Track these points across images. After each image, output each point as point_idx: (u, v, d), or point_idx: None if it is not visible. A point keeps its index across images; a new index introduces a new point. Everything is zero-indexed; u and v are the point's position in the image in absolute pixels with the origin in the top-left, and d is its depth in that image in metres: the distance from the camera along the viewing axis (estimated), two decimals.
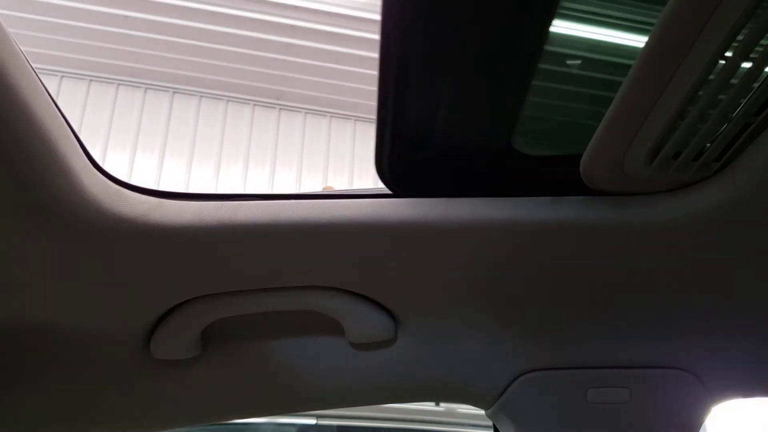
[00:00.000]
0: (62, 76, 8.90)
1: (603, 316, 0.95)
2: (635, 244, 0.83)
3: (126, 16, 8.19)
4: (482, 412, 1.10)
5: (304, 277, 0.87)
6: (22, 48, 0.61)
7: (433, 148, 0.79)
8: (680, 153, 0.72)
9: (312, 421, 2.82)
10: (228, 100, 9.52)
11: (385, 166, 0.81)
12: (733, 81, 0.62)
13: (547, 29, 0.68)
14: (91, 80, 9.17)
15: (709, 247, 0.83)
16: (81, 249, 0.76)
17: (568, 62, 0.72)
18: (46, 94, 0.64)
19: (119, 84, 9.21)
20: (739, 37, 0.57)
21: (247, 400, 1.01)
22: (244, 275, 0.86)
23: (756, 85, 0.62)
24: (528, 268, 0.87)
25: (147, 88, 9.38)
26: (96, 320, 0.88)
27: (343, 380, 1.01)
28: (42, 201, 0.68)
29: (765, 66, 0.60)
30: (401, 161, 0.80)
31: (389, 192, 0.84)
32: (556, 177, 0.82)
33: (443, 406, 2.99)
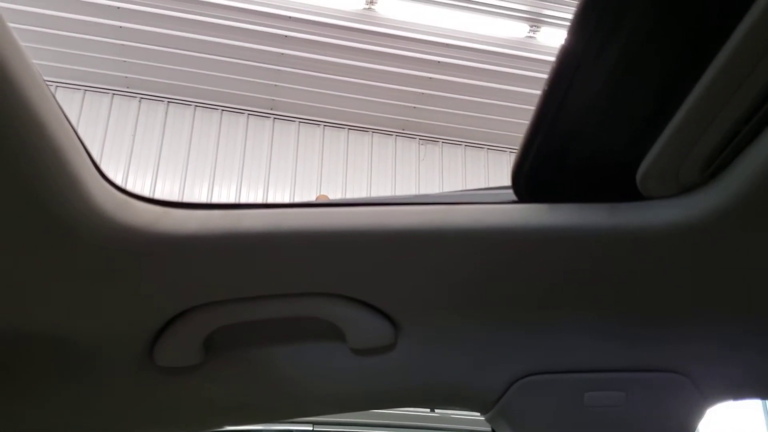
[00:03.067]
0: (57, 86, 8.89)
1: (599, 320, 0.96)
2: (630, 249, 0.85)
3: (121, 27, 8.20)
4: (479, 416, 1.11)
5: (307, 284, 0.88)
6: None
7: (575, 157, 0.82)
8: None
9: (308, 428, 2.82)
10: (222, 110, 9.52)
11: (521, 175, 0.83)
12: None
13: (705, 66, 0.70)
14: (85, 90, 9.17)
15: (703, 252, 0.84)
16: (87, 257, 0.77)
17: None
18: (56, 104, 0.65)
19: (114, 94, 9.21)
20: None
21: (249, 407, 1.02)
22: (247, 283, 0.87)
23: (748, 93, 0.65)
24: (525, 274, 0.89)
25: (141, 98, 9.38)
26: (100, 328, 0.88)
27: (344, 386, 1.02)
28: (50, 210, 0.69)
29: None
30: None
31: (390, 200, 0.85)
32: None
33: (438, 412, 2.99)
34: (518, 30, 8.59)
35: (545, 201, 0.84)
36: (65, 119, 0.66)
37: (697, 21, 0.65)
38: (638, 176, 0.79)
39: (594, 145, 0.80)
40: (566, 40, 0.69)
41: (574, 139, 0.79)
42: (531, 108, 0.77)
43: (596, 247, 0.85)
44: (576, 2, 0.66)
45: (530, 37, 8.62)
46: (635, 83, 0.73)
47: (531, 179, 0.83)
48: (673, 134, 0.71)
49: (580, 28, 0.67)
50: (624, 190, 0.82)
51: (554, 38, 8.51)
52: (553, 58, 0.71)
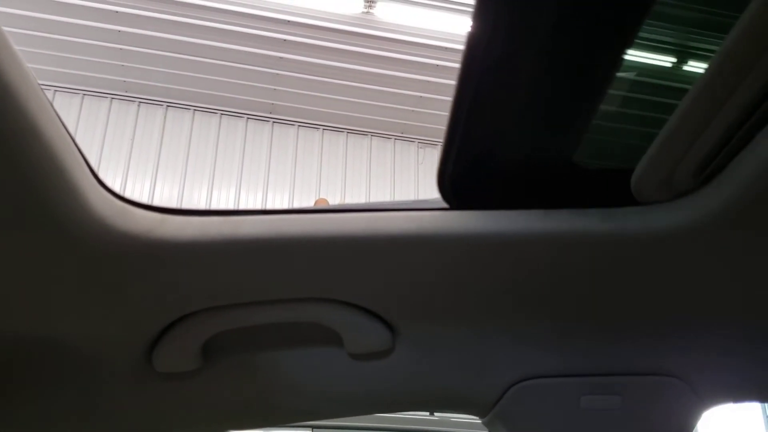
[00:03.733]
0: (55, 91, 8.90)
1: (595, 324, 0.97)
2: (625, 254, 0.85)
3: (119, 31, 8.20)
4: (477, 420, 1.12)
5: (305, 290, 0.89)
6: None
7: (495, 161, 0.81)
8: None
9: None
10: (221, 114, 9.53)
11: (446, 181, 0.83)
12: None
13: (622, 56, 0.71)
14: (84, 95, 9.17)
15: (697, 256, 0.85)
16: (86, 264, 0.77)
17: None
18: (53, 112, 0.65)
19: (112, 98, 9.21)
20: None
21: (247, 412, 1.02)
22: (246, 288, 0.87)
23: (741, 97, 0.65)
24: (523, 279, 0.89)
25: (140, 103, 9.38)
26: (98, 334, 0.89)
27: (342, 391, 1.02)
28: (49, 218, 0.69)
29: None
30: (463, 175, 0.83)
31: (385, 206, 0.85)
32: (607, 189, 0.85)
33: (437, 416, 2.99)
34: None
35: (478, 207, 0.85)
36: (62, 127, 0.67)
37: (603, 17, 0.66)
38: (632, 181, 0.79)
39: (517, 148, 0.80)
40: (469, 37, 0.68)
41: (494, 142, 0.79)
42: None
43: (590, 253, 0.85)
44: None
45: None
46: (548, 82, 0.73)
47: (455, 185, 0.84)
48: (666, 139, 0.72)
49: (479, 21, 0.67)
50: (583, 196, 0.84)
51: None
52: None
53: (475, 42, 0.68)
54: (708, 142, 0.70)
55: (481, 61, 0.70)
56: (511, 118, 0.76)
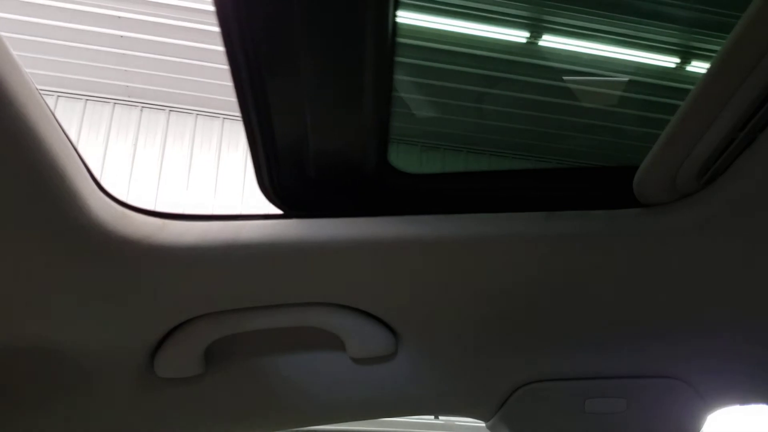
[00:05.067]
0: (58, 96, 8.91)
1: (599, 327, 0.96)
2: (629, 256, 0.85)
3: (122, 36, 8.21)
4: (481, 424, 1.11)
5: (306, 294, 0.89)
6: None
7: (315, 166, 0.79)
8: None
9: None
10: (224, 119, 9.53)
11: (273, 185, 0.82)
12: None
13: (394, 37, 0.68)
14: (87, 100, 9.18)
15: (701, 258, 0.85)
16: (87, 270, 0.77)
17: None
18: (53, 118, 0.65)
19: (115, 103, 9.22)
20: None
21: (250, 416, 1.02)
22: (247, 293, 0.87)
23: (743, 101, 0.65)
24: (524, 282, 0.89)
25: (143, 107, 9.39)
26: (100, 339, 0.89)
27: (344, 395, 1.02)
28: (49, 224, 0.69)
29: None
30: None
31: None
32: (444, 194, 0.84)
33: (442, 419, 2.98)
34: None
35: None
36: (62, 132, 0.67)
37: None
38: (635, 183, 0.79)
39: (326, 152, 0.78)
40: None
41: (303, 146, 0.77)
42: None
43: (593, 255, 0.85)
44: None
45: None
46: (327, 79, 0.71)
47: (281, 190, 0.83)
48: (668, 140, 0.71)
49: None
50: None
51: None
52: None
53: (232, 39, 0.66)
54: (711, 143, 0.70)
55: (257, 60, 0.68)
56: (309, 119, 0.75)
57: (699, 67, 0.74)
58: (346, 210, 0.83)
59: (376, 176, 0.81)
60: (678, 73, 0.76)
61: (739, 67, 0.62)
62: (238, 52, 0.67)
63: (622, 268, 0.87)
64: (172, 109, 9.52)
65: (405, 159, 0.81)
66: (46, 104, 0.64)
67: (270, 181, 0.81)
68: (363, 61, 0.68)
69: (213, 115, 9.55)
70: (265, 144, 0.76)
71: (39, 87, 0.63)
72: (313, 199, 0.83)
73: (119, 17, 7.91)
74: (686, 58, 0.74)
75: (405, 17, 0.68)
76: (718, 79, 0.64)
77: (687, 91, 0.67)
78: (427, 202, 0.84)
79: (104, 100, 9.27)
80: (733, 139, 0.70)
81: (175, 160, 9.36)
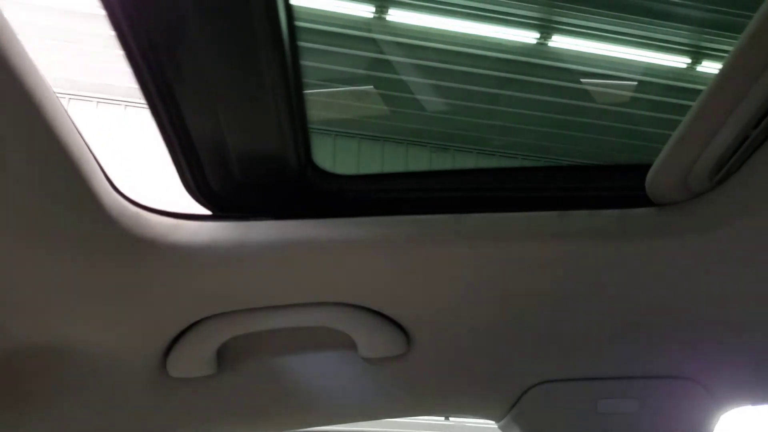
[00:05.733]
0: (70, 99, 8.94)
1: (611, 327, 0.96)
2: (642, 255, 0.85)
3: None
4: (493, 424, 1.11)
5: (317, 294, 0.89)
6: None
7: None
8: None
9: None
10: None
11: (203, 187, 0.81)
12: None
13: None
14: (98, 102, 9.21)
15: (714, 257, 0.84)
16: (100, 270, 0.78)
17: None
18: (68, 118, 0.66)
19: (126, 106, 9.25)
20: None
21: (261, 417, 1.02)
22: (259, 293, 0.87)
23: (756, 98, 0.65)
24: (536, 282, 0.89)
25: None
26: (113, 339, 0.89)
27: (356, 395, 1.02)
28: (62, 223, 0.70)
29: None
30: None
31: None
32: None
33: (453, 420, 2.98)
34: None
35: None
36: (77, 133, 0.67)
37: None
38: (647, 182, 0.79)
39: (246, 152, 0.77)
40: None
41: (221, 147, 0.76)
42: None
43: (606, 254, 0.85)
44: None
45: None
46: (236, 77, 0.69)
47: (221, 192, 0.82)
48: (680, 139, 0.71)
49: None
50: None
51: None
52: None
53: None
54: (723, 142, 0.69)
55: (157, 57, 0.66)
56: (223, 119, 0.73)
57: (710, 67, 0.74)
58: (273, 212, 0.82)
59: (300, 178, 0.81)
60: (689, 73, 0.75)
61: (752, 67, 0.62)
62: (137, 55, 0.65)
63: (635, 268, 0.87)
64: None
65: (324, 156, 0.80)
66: (61, 104, 0.65)
67: (195, 184, 0.80)
68: (260, 50, 0.66)
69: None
70: (183, 147, 0.75)
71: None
72: (248, 201, 0.83)
73: None
74: (697, 59, 0.74)
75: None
76: (730, 79, 0.63)
77: (698, 91, 0.67)
78: (372, 205, 0.84)
79: (116, 103, 9.30)
80: (746, 138, 0.69)
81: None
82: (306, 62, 0.69)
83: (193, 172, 0.79)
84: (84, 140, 0.70)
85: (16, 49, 0.55)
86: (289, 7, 0.64)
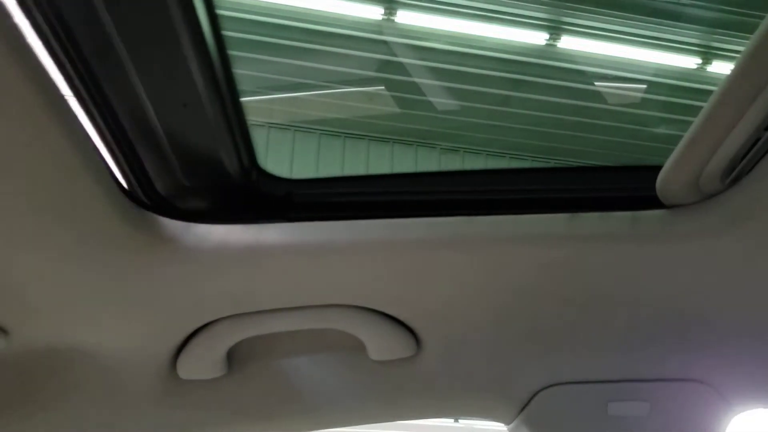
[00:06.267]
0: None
1: (622, 330, 0.96)
2: (653, 257, 0.84)
3: None
4: (503, 427, 1.11)
5: (327, 296, 0.89)
6: None
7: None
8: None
9: None
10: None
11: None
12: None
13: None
14: None
15: (723, 259, 0.84)
16: (109, 272, 0.78)
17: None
18: (76, 119, 0.65)
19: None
20: None
21: (271, 419, 1.02)
22: (269, 295, 0.87)
23: None
24: (547, 284, 0.88)
25: None
26: (123, 341, 0.89)
27: (365, 397, 1.02)
28: (70, 226, 0.70)
29: None
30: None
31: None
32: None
33: (462, 422, 2.98)
34: None
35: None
36: (86, 135, 0.67)
37: None
38: (658, 184, 0.79)
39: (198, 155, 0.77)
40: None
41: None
42: None
43: (617, 256, 0.84)
44: None
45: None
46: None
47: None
48: (692, 141, 0.71)
49: None
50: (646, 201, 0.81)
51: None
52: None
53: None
54: (735, 143, 0.69)
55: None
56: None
57: (722, 68, 0.73)
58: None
59: (245, 182, 0.81)
60: (700, 74, 0.75)
61: (763, 68, 0.61)
62: (62, 58, 0.64)
63: (645, 270, 0.86)
64: None
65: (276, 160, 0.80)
66: (69, 105, 0.64)
67: (140, 187, 0.79)
68: (181, 42, 0.64)
69: None
70: (124, 152, 0.74)
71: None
72: (194, 204, 0.82)
73: None
74: (708, 60, 0.74)
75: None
76: (741, 80, 0.63)
77: (710, 92, 0.66)
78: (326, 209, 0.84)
79: None
80: (758, 139, 0.69)
81: None
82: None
83: (136, 176, 0.78)
84: (92, 142, 0.70)
85: (22, 49, 0.54)
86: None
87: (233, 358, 0.97)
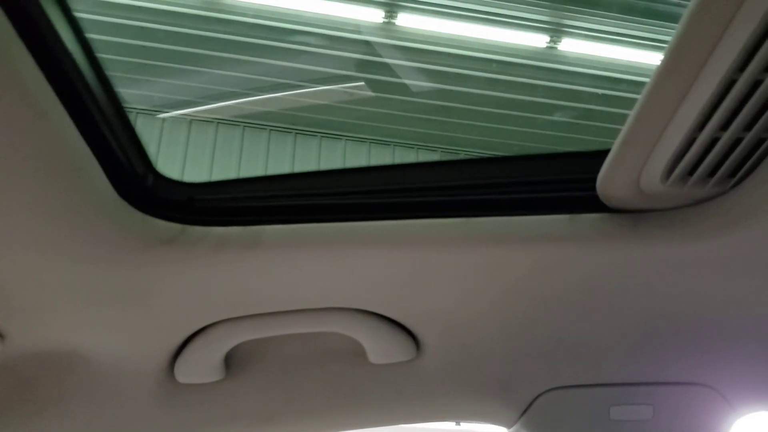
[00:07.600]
0: None
1: (624, 333, 0.95)
2: (652, 260, 0.84)
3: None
4: (504, 430, 1.10)
5: (326, 299, 0.88)
6: None
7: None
8: (696, 169, 0.71)
9: None
10: (244, 126, 9.59)
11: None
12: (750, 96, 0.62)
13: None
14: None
15: (725, 262, 0.83)
16: (107, 275, 0.78)
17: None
18: (71, 122, 0.65)
19: (137, 113, 9.31)
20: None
21: (269, 423, 1.02)
22: (267, 298, 0.87)
23: None
24: (546, 287, 0.88)
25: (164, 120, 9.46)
26: (121, 345, 0.89)
27: (364, 401, 1.01)
28: (68, 229, 0.70)
29: None
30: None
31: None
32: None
33: (463, 426, 2.97)
34: None
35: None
36: (81, 137, 0.67)
37: None
38: (597, 186, 0.77)
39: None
40: None
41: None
42: None
43: (618, 258, 0.84)
44: None
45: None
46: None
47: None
48: (624, 141, 0.69)
49: None
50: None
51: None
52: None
53: None
54: (671, 142, 0.66)
55: None
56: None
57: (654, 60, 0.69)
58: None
59: (142, 186, 0.79)
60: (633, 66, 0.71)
61: (689, 62, 0.59)
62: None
63: (647, 273, 0.86)
64: (193, 119, 9.58)
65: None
66: (63, 108, 0.64)
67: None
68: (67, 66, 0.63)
69: (233, 124, 9.61)
70: (116, 155, 0.73)
71: None
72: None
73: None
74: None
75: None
76: (668, 76, 0.61)
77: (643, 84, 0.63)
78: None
79: (127, 110, 9.34)
80: (761, 140, 0.67)
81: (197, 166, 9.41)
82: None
83: (131, 179, 0.78)
84: (89, 145, 0.69)
85: (16, 50, 0.54)
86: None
87: (231, 361, 0.97)
